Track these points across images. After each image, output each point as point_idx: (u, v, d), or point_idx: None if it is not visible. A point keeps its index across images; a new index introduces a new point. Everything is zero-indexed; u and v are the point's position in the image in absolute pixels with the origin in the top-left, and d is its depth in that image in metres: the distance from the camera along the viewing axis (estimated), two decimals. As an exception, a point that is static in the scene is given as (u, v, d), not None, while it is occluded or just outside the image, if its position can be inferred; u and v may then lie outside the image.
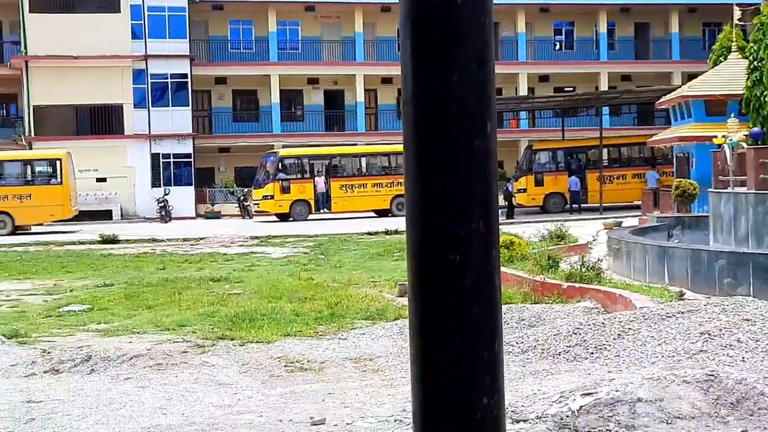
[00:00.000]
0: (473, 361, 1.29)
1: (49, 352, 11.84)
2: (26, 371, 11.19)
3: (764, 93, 28.68)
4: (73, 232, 38.94)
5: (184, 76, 51.16)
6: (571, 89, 53.70)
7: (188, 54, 51.20)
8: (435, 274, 1.29)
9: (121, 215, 47.50)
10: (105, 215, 45.89)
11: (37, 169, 41.59)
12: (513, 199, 42.71)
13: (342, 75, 55.24)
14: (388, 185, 44.43)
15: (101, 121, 49.68)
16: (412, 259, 1.30)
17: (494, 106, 1.28)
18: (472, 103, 1.26)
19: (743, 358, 9.93)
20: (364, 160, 46.08)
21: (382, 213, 43.11)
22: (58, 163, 41.33)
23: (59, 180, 41.00)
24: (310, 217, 43.04)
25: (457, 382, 1.29)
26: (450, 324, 1.28)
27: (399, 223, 37.14)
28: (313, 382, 10.39)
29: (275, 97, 53.98)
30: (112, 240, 33.26)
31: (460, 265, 1.28)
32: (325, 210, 43.75)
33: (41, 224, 40.84)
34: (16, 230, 39.71)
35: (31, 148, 45.96)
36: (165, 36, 50.65)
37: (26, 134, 48.41)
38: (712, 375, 7.94)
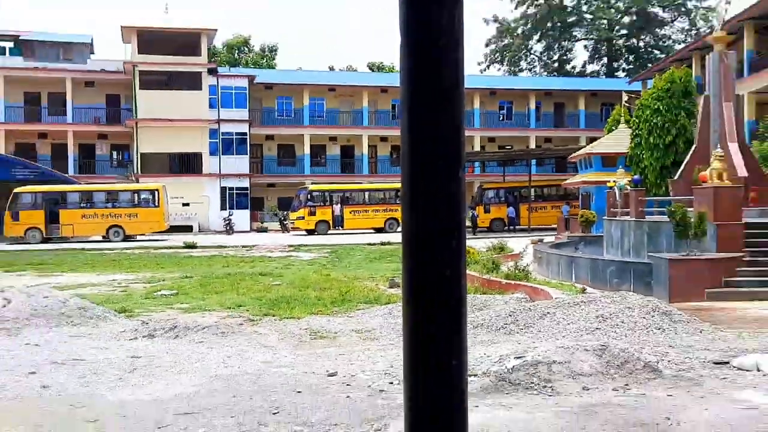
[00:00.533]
0: (446, 333, 1.30)
1: (147, 323, 11.82)
2: (131, 336, 11.17)
3: (642, 152, 28.81)
4: (165, 240, 39.07)
5: (244, 134, 51.29)
6: (510, 147, 53.95)
7: (247, 119, 51.35)
8: (423, 275, 1.30)
9: (199, 229, 47.61)
10: (187, 229, 46.02)
11: (142, 196, 41.63)
12: (476, 221, 42.88)
13: (353, 135, 55.39)
14: (383, 210, 44.58)
15: (186, 164, 49.81)
16: (406, 263, 1.31)
17: (464, 158, 1.29)
18: (450, 156, 1.27)
19: (625, 334, 9.95)
20: (367, 193, 46.16)
21: (378, 230, 43.12)
22: (156, 192, 41.44)
23: (156, 204, 41.10)
24: (329, 232, 43.10)
25: (435, 348, 1.30)
26: (432, 308, 1.29)
27: (390, 237, 37.14)
28: (329, 347, 10.39)
29: (306, 149, 54.15)
30: (192, 246, 33.26)
31: (440, 268, 1.29)
32: (340, 228, 43.78)
33: (143, 234, 40.86)
34: (126, 238, 39.78)
35: (138, 182, 45.96)
36: (232, 106, 50.81)
37: (135, 172, 48.53)
38: (604, 345, 7.96)
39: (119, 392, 7.80)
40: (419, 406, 1.33)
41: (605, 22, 70.35)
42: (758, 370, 7.82)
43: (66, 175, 45.94)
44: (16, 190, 39.78)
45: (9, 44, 51.45)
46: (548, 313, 11.24)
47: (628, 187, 20.32)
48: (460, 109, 1.30)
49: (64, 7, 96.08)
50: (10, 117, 49.41)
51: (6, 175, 41.62)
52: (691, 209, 15.91)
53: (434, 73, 1.29)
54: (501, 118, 58.61)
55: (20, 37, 51.05)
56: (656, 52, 68.73)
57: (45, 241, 38.72)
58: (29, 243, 37.87)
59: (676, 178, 20.75)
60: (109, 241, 39.05)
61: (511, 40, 71.50)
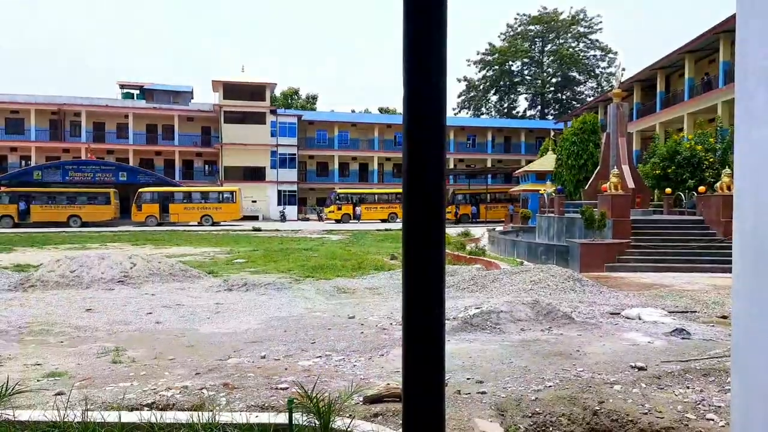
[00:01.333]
0: (431, 289, 1.30)
1: (226, 281, 11.82)
2: (216, 289, 11.18)
3: (563, 170, 28.73)
4: (240, 225, 39.07)
5: (294, 154, 51.15)
6: (473, 166, 53.79)
7: (296, 144, 51.21)
8: (416, 252, 1.30)
9: (262, 218, 47.50)
10: (254, 218, 45.90)
11: (225, 195, 41.48)
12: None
13: (367, 156, 55.19)
14: (387, 207, 44.48)
15: (255, 174, 49.67)
16: (405, 240, 1.31)
17: (445, 172, 1.30)
18: (436, 172, 1.28)
19: (550, 293, 9.92)
20: (376, 195, 45.99)
21: (383, 221, 43.04)
22: (234, 193, 41.32)
23: (234, 201, 40.99)
24: (350, 222, 42.99)
25: (423, 299, 1.31)
26: (422, 272, 1.30)
27: (391, 226, 37.09)
28: (350, 299, 10.38)
29: (336, 165, 54.06)
30: (258, 230, 33.25)
31: (426, 246, 1.29)
32: (358, 219, 43.61)
33: (225, 221, 40.82)
34: (213, 224, 39.78)
35: (222, 186, 45.94)
36: (286, 135, 50.69)
37: (221, 179, 48.45)
38: (536, 300, 7.94)
39: (207, 327, 7.83)
40: (412, 337, 1.34)
41: (539, 82, 70.10)
42: (639, 318, 7.81)
43: (174, 180, 45.93)
44: (140, 190, 39.81)
45: (137, 92, 51.43)
46: (498, 278, 11.23)
47: (554, 194, 20.28)
48: (442, 140, 1.31)
49: (174, 65, 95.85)
50: (137, 141, 49.41)
51: (134, 180, 41.67)
52: (596, 210, 15.90)
53: (425, 116, 1.30)
54: (468, 146, 58.30)
55: (144, 87, 51.05)
56: (574, 102, 68.37)
57: (159, 225, 38.77)
58: (148, 226, 37.94)
59: (586, 188, 20.70)
60: (202, 226, 39.06)
61: (475, 93, 71.28)
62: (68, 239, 25.78)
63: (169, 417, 3.63)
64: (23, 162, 46.83)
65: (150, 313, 8.75)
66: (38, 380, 5.04)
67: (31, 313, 8.62)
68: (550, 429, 4.07)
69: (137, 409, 4.02)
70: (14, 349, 6.45)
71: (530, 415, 4.21)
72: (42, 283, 11.19)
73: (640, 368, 5.28)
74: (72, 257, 12.94)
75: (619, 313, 8.24)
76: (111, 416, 3.58)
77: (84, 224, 37.43)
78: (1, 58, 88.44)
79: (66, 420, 3.50)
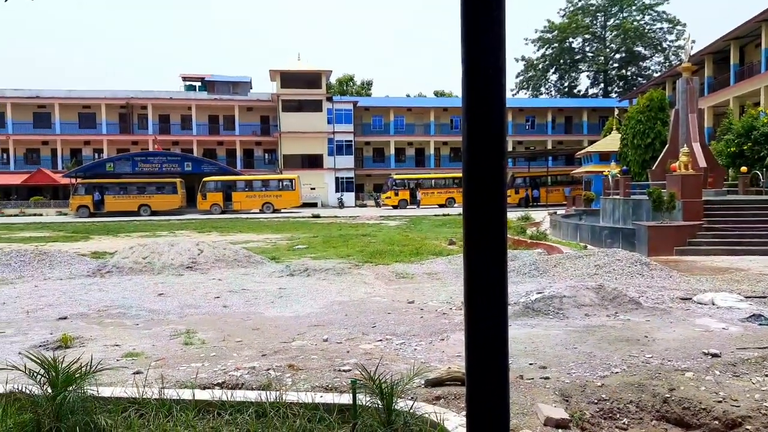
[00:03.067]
0: (494, 273, 1.30)
1: (288, 266, 12.10)
2: (279, 275, 11.47)
3: (628, 150, 27.67)
4: (299, 212, 39.83)
5: (350, 141, 51.56)
6: (533, 148, 52.54)
7: (352, 131, 51.55)
8: (478, 237, 1.30)
9: (321, 205, 48.21)
10: (313, 205, 46.61)
11: (284, 183, 42.31)
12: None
13: (423, 140, 54.96)
14: (444, 192, 44.20)
15: (313, 162, 50.41)
16: (466, 225, 1.31)
17: (506, 155, 1.29)
18: (496, 155, 1.27)
19: (616, 278, 9.65)
20: (433, 180, 45.72)
21: (441, 206, 42.77)
22: (293, 180, 42.11)
23: (294, 188, 41.77)
24: (407, 207, 42.96)
25: (486, 283, 1.31)
26: (484, 256, 1.30)
27: (449, 210, 36.85)
28: (408, 283, 10.43)
29: (392, 151, 54.13)
30: (317, 216, 33.78)
31: (489, 229, 1.29)
32: (416, 205, 43.41)
33: (285, 209, 41.64)
34: (274, 211, 40.69)
35: (281, 173, 46.88)
36: (342, 122, 51.12)
37: (280, 167, 49.47)
38: (600, 285, 7.74)
39: (272, 311, 8.07)
40: (475, 321, 1.35)
41: (602, 58, 67.41)
42: (713, 304, 7.48)
43: (235, 169, 47.28)
44: (205, 179, 41.21)
45: (198, 84, 53.09)
46: (560, 262, 11.00)
47: (618, 175, 19.56)
48: (503, 122, 1.30)
49: (233, 55, 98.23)
50: (200, 131, 51.08)
51: (198, 169, 43.13)
52: (664, 191, 15.24)
53: (484, 96, 1.29)
54: (527, 128, 56.95)
55: (205, 79, 52.61)
56: (639, 78, 65.38)
57: (222, 212, 40.04)
58: (212, 214, 39.27)
59: (653, 168, 19.87)
60: (263, 213, 40.06)
61: (533, 73, 69.38)
62: (140, 227, 27.09)
63: (239, 395, 3.79)
64: (96, 154, 49.39)
65: (217, 297, 9.10)
66: (117, 360, 5.36)
67: (108, 297, 9.14)
68: (618, 416, 3.98)
69: (209, 388, 4.21)
70: (95, 331, 6.87)
71: (596, 401, 4.13)
72: (117, 269, 11.84)
73: (714, 355, 5.07)
74: (144, 244, 13.61)
75: (690, 299, 7.91)
76: (185, 394, 3.78)
77: (153, 213, 39.16)
78: (74, 56, 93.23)
79: (144, 397, 3.72)
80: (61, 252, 13.96)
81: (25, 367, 3.26)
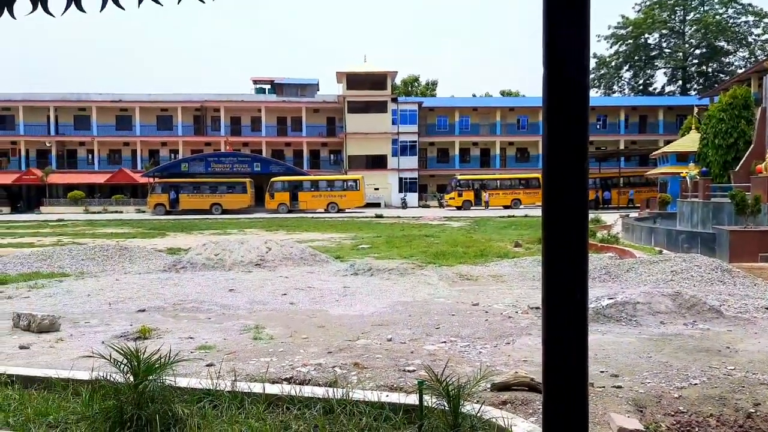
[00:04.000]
0: (573, 274, 1.27)
1: (352, 265, 12.22)
2: (343, 273, 11.63)
3: (708, 151, 26.27)
4: (363, 212, 40.22)
5: (414, 142, 51.50)
6: (605, 148, 50.72)
7: (417, 132, 51.50)
8: (557, 238, 1.27)
9: (384, 205, 48.40)
10: (377, 205, 46.81)
11: (349, 183, 42.89)
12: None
13: (489, 141, 54.19)
14: (510, 193, 43.48)
15: (377, 162, 50.71)
16: (546, 227, 1.29)
17: (587, 154, 1.25)
18: (578, 152, 1.24)
19: (694, 284, 9.17)
20: (498, 181, 45.03)
21: (506, 207, 42.05)
22: (358, 181, 42.63)
23: (358, 188, 42.27)
24: (471, 208, 42.50)
25: (566, 284, 1.28)
26: (564, 255, 1.27)
27: (515, 212, 36.19)
28: (472, 285, 10.32)
29: (456, 151, 53.70)
30: (380, 216, 34.03)
31: (569, 231, 1.26)
32: (486, 206, 42.64)
33: (350, 208, 42.11)
34: (339, 211, 41.27)
35: (346, 173, 47.48)
36: (407, 123, 51.11)
37: (345, 168, 50.12)
38: (677, 292, 7.37)
39: (336, 309, 8.19)
40: (554, 324, 1.32)
41: (680, 54, 64.19)
42: (803, 315, 6.97)
43: (302, 169, 48.32)
44: (272, 179, 42.38)
45: (267, 86, 54.65)
46: (633, 267, 10.57)
47: (697, 177, 18.60)
48: (585, 119, 1.26)
49: (302, 59, 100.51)
50: (268, 133, 52.54)
51: (266, 170, 44.40)
52: (749, 193, 14.35)
53: (567, 94, 1.26)
54: (598, 127, 54.97)
55: (274, 81, 54.11)
56: (721, 75, 61.79)
57: (289, 212, 40.99)
58: (279, 213, 40.30)
59: (736, 170, 18.77)
60: (328, 213, 40.70)
61: (606, 70, 67.00)
62: (211, 225, 28.18)
63: (307, 391, 3.87)
64: (172, 155, 51.78)
65: (284, 294, 9.34)
66: (191, 352, 5.60)
67: (183, 292, 9.56)
68: (697, 430, 3.78)
69: (278, 383, 4.33)
70: (170, 323, 7.21)
71: (673, 413, 3.94)
72: (191, 264, 12.36)
73: (805, 370, 4.73)
74: (216, 242, 14.14)
75: (777, 309, 7.41)
76: (256, 387, 3.90)
77: (224, 211, 40.65)
78: (151, 60, 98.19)
79: (218, 389, 3.87)
80: (139, 248, 14.73)
81: (110, 356, 3.46)
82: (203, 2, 2.12)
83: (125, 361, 3.39)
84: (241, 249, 13.09)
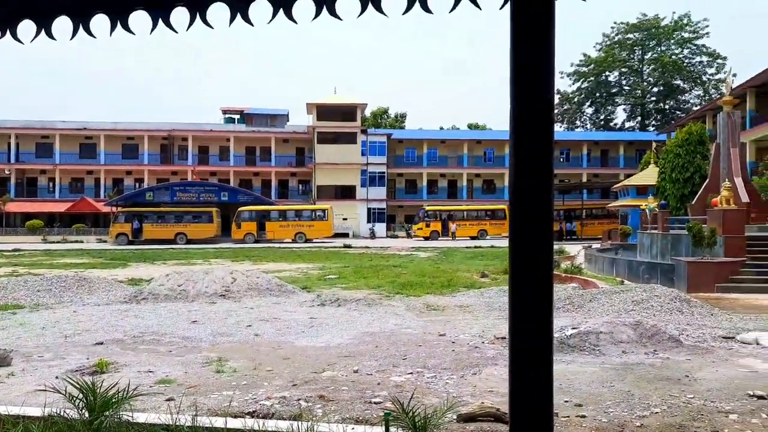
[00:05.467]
0: (539, 302, 1.30)
1: (319, 296, 12.13)
2: (310, 304, 11.50)
3: (666, 184, 27.16)
4: (331, 242, 40.01)
5: (383, 173, 51.83)
6: (567, 181, 51.97)
7: (386, 163, 51.89)
8: (523, 267, 1.31)
9: (353, 235, 48.29)
10: (345, 235, 46.69)
11: (317, 213, 42.74)
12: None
13: (456, 173, 54.99)
14: (477, 224, 43.96)
15: (346, 193, 50.80)
16: (512, 257, 1.32)
17: (552, 187, 1.29)
18: (544, 186, 1.28)
19: (654, 314, 9.38)
20: (465, 212, 45.53)
21: (473, 238, 42.42)
22: (326, 211, 42.55)
23: (326, 218, 42.14)
24: (439, 239, 42.69)
25: (533, 316, 1.31)
26: (529, 285, 1.30)
27: (481, 243, 36.54)
28: (439, 316, 10.33)
29: (424, 182, 54.26)
30: (348, 246, 33.88)
31: (535, 261, 1.30)
32: (452, 237, 42.86)
33: (318, 238, 41.85)
34: (306, 241, 41.00)
35: (315, 203, 47.34)
36: (376, 154, 51.53)
37: (314, 198, 50.00)
38: (638, 322, 7.53)
39: (302, 340, 8.08)
40: (519, 357, 1.34)
41: (639, 91, 66.78)
42: (757, 343, 7.19)
43: (270, 199, 48.04)
44: (240, 209, 41.98)
45: (237, 116, 54.60)
46: (596, 297, 10.75)
47: (656, 210, 19.16)
48: (550, 154, 1.31)
49: (273, 90, 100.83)
50: (237, 162, 52.25)
51: (234, 199, 43.99)
52: (705, 226, 14.86)
53: (533, 130, 1.31)
54: (561, 161, 56.44)
55: (244, 112, 54.11)
56: (678, 112, 64.41)
57: (256, 242, 40.51)
58: (246, 243, 39.78)
59: (693, 203, 19.42)
60: (296, 243, 40.38)
61: (569, 106, 69.09)
62: (175, 255, 27.63)
63: (271, 425, 3.79)
64: (137, 184, 50.93)
65: (249, 325, 9.17)
66: (151, 386, 5.43)
67: (143, 324, 9.31)
68: (657, 458, 3.83)
69: (240, 417, 4.23)
70: (129, 356, 6.99)
71: (634, 442, 3.98)
72: (153, 295, 12.07)
73: (760, 397, 4.85)
74: (179, 272, 13.86)
75: (733, 338, 7.62)
76: (218, 422, 3.80)
77: (189, 241, 39.93)
78: (118, 89, 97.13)
79: (178, 424, 3.76)
80: (99, 278, 14.33)
81: (65, 390, 3.34)
82: (211, 27, 2.11)
83: (80, 395, 3.27)
84: (206, 279, 12.85)
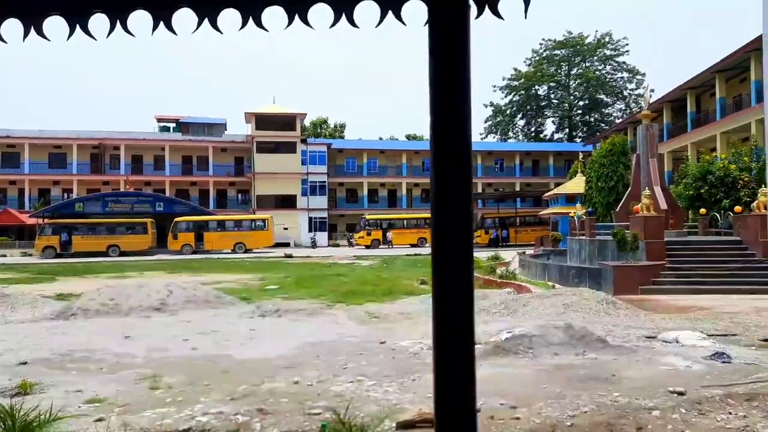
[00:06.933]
0: (461, 312, 1.31)
1: (259, 307, 11.90)
2: (250, 316, 11.26)
3: (593, 192, 28.38)
4: (272, 252, 39.36)
5: (324, 182, 51.61)
6: (502, 189, 53.47)
7: (326, 172, 51.69)
8: (446, 274, 1.32)
9: (294, 245, 47.71)
10: (286, 244, 45.98)
11: (257, 223, 41.98)
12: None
13: (396, 182, 55.47)
14: (416, 232, 44.39)
15: (286, 202, 50.21)
16: (435, 266, 1.33)
17: (472, 196, 1.31)
18: (463, 196, 1.30)
19: (583, 316, 9.73)
20: (405, 221, 45.91)
21: (413, 245, 42.82)
22: (266, 220, 41.85)
23: (266, 228, 41.44)
24: (380, 247, 42.86)
25: (456, 321, 1.31)
26: (452, 294, 1.31)
27: (421, 251, 36.91)
28: (381, 323, 10.33)
29: (364, 192, 54.41)
30: (289, 256, 33.45)
31: (455, 268, 1.31)
32: (388, 245, 43.32)
33: (258, 248, 41.12)
34: (246, 251, 40.18)
35: (254, 213, 46.50)
36: (316, 164, 51.25)
37: (254, 207, 49.10)
38: (569, 324, 7.79)
39: (242, 353, 7.88)
40: (443, 361, 1.35)
41: (567, 105, 69.77)
42: (677, 342, 7.58)
43: (208, 209, 46.81)
44: (176, 219, 40.60)
45: (173, 125, 52.97)
46: (529, 302, 11.06)
47: (584, 217, 19.97)
48: (468, 164, 1.33)
49: (210, 99, 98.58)
50: (173, 172, 50.64)
51: (170, 210, 42.55)
52: (628, 231, 15.60)
53: (451, 142, 1.33)
54: (496, 170, 58.06)
55: (180, 120, 52.56)
56: (602, 124, 67.62)
57: (194, 253, 39.29)
58: (184, 254, 38.52)
59: (617, 210, 20.36)
60: (235, 253, 39.50)
61: (502, 118, 71.20)
62: (108, 268, 26.40)
63: (206, 442, 3.66)
64: (65, 195, 48.38)
65: (186, 339, 8.86)
66: (79, 406, 5.14)
67: (72, 341, 8.81)
68: (587, 456, 3.95)
69: (174, 434, 4.06)
70: (57, 376, 6.59)
71: (566, 441, 4.10)
72: (83, 311, 11.46)
73: (680, 393, 5.12)
74: (111, 286, 13.25)
75: (655, 337, 8.02)
76: (149, 441, 3.63)
77: (123, 253, 38.27)
78: (44, 96, 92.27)
79: (106, 444, 3.56)
80: (23, 294, 13.49)
81: (-20, 414, 3.10)
82: (176, 34, 2.00)
83: (-2, 420, 3.05)
84: (140, 293, 12.34)
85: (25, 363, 7.36)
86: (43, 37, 1.99)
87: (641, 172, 19.35)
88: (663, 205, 18.01)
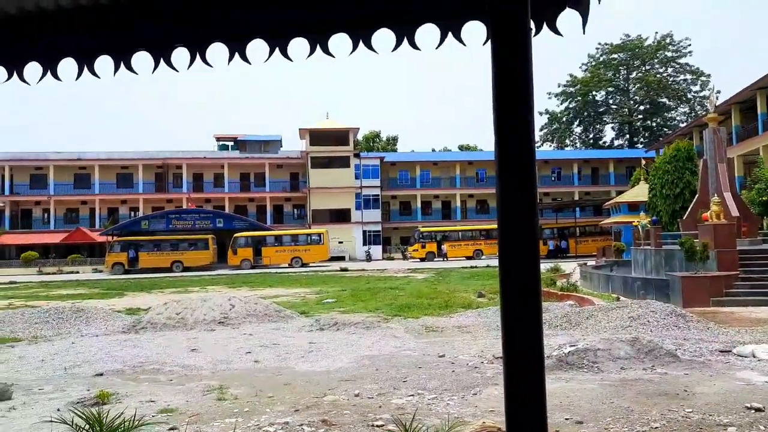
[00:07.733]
0: (530, 322, 1.36)
1: (318, 320, 12.08)
2: (309, 329, 11.46)
3: (657, 200, 27.41)
4: (327, 266, 39.86)
5: (377, 195, 52.00)
6: (560, 199, 52.31)
7: (379, 185, 52.08)
8: (514, 284, 1.37)
9: (349, 258, 48.11)
10: (341, 259, 46.52)
11: (313, 237, 42.65)
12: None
13: (449, 193, 55.23)
14: (472, 244, 43.93)
15: (341, 216, 50.82)
16: (502, 278, 1.39)
17: (537, 209, 1.37)
18: (529, 207, 1.35)
19: (651, 330, 9.41)
20: (460, 233, 45.57)
21: (469, 258, 42.40)
22: (322, 235, 42.48)
23: (322, 242, 42.05)
24: (435, 260, 42.69)
25: (525, 332, 1.37)
26: (521, 306, 1.36)
27: (477, 263, 36.54)
28: (438, 337, 10.31)
29: (419, 204, 54.45)
30: (345, 270, 33.81)
31: (522, 279, 1.36)
32: (443, 257, 43.11)
33: (314, 262, 41.70)
34: (303, 265, 40.86)
35: (310, 228, 47.29)
36: (369, 177, 51.76)
37: (309, 222, 50.00)
38: (635, 337, 7.57)
39: (302, 365, 8.05)
40: (514, 375, 1.40)
41: (626, 110, 67.71)
42: (753, 356, 7.23)
43: (265, 224, 48.00)
44: (235, 235, 41.86)
45: (231, 143, 54.88)
46: (592, 315, 10.79)
47: (649, 226, 19.29)
48: (533, 175, 1.39)
49: (267, 117, 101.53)
50: (231, 189, 52.34)
51: (229, 226, 43.92)
52: (697, 240, 14.98)
53: (516, 151, 1.39)
54: (553, 179, 56.89)
55: (238, 139, 54.41)
56: (665, 129, 65.22)
57: (252, 267, 40.32)
58: (243, 269, 39.61)
59: (684, 218, 19.57)
60: (292, 267, 40.25)
61: (558, 126, 69.84)
62: (172, 284, 27.49)
63: (274, 451, 3.79)
64: (132, 213, 50.81)
65: (249, 352, 9.14)
66: (153, 416, 5.41)
67: (143, 353, 9.26)
68: (659, 473, 3.85)
69: (244, 443, 4.22)
70: (130, 387, 6.96)
71: (636, 457, 4.00)
72: (151, 325, 12.00)
73: (758, 409, 4.89)
74: (177, 300, 13.82)
75: (730, 351, 7.66)
76: (221, 449, 3.80)
77: (186, 269, 39.75)
78: (113, 119, 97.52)
79: (182, 452, 3.76)
80: (96, 309, 14.24)
81: (71, 421, 3.35)
82: (176, 71, 2.24)
83: (87, 426, 3.28)
84: (204, 307, 12.81)
85: (101, 374, 7.79)
86: (94, 74, 2.26)
87: (709, 178, 18.57)
88: (734, 212, 17.22)
